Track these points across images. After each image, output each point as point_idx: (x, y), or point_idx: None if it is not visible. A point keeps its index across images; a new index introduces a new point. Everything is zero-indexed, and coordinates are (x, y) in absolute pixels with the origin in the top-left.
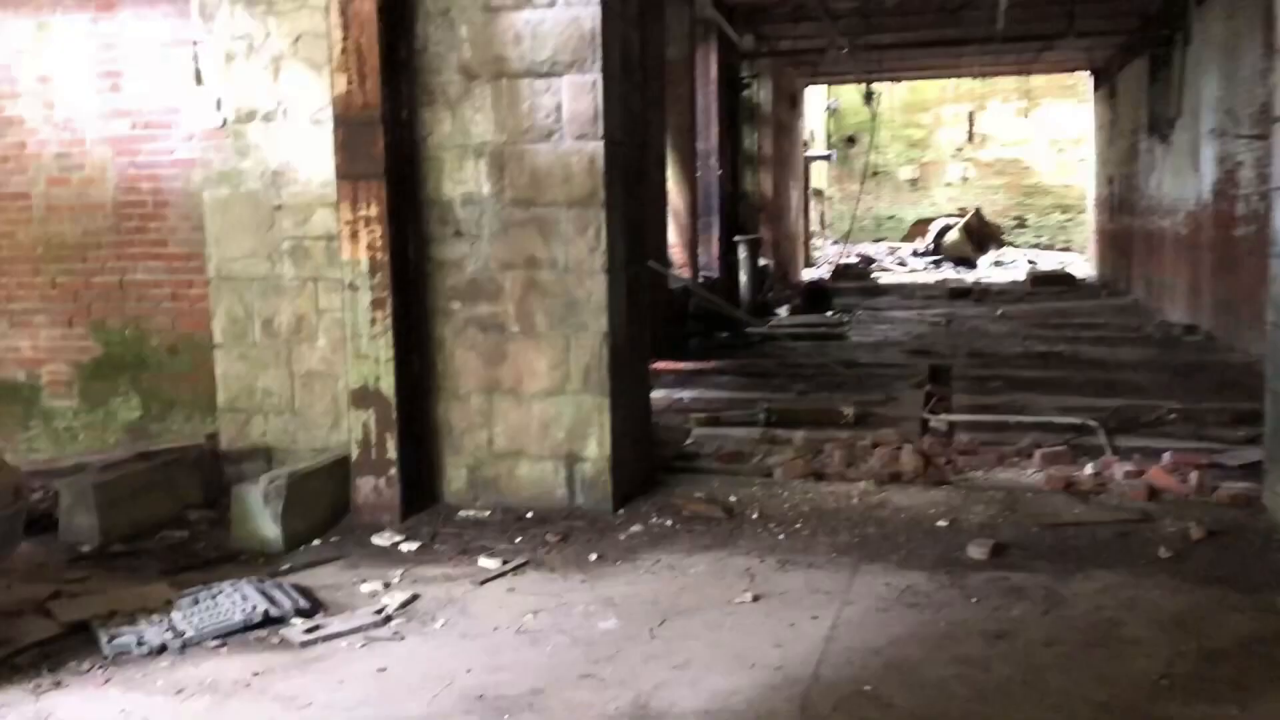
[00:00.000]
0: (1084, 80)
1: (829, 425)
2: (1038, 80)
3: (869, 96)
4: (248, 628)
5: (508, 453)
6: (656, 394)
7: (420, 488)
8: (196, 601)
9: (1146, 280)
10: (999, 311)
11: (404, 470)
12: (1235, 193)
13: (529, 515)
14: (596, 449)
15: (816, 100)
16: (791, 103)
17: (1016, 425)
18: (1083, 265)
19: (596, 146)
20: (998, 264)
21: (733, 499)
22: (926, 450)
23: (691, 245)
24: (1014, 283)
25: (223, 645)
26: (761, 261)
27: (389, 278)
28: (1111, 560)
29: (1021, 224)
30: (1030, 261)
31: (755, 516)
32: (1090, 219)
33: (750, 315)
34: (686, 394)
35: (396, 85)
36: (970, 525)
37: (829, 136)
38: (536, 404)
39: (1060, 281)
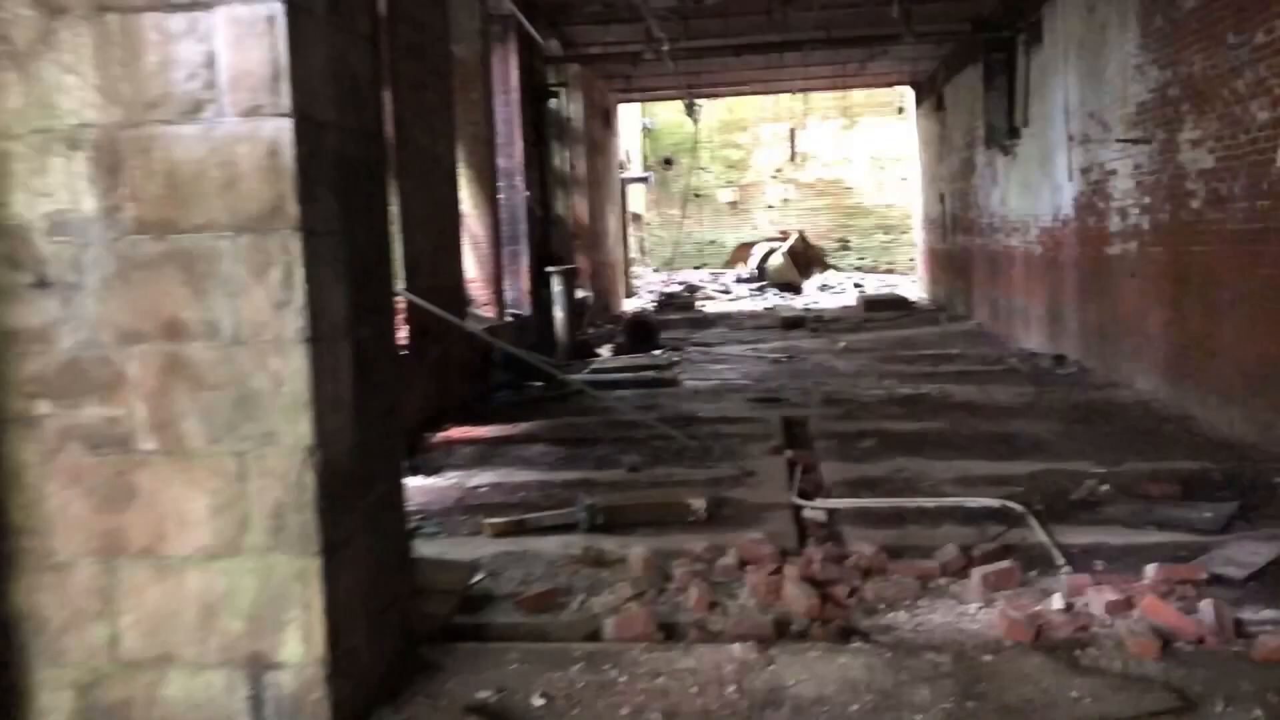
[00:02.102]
0: (904, 96)
1: (674, 525)
2: (857, 97)
3: (690, 107)
4: None
5: (145, 660)
6: (443, 481)
7: None
8: None
9: (991, 304)
10: (840, 344)
11: None
12: (1106, 205)
13: None
14: (301, 645)
15: (631, 120)
16: (605, 120)
17: (918, 511)
18: (911, 287)
19: (280, 128)
20: (824, 288)
21: (538, 701)
22: (817, 574)
23: (495, 279)
24: (846, 308)
25: None
26: (580, 293)
27: None
28: None
29: (845, 246)
30: (857, 285)
31: None
32: (918, 239)
33: (568, 359)
34: (484, 478)
35: None
36: None
37: (645, 158)
38: (193, 574)
39: (894, 306)
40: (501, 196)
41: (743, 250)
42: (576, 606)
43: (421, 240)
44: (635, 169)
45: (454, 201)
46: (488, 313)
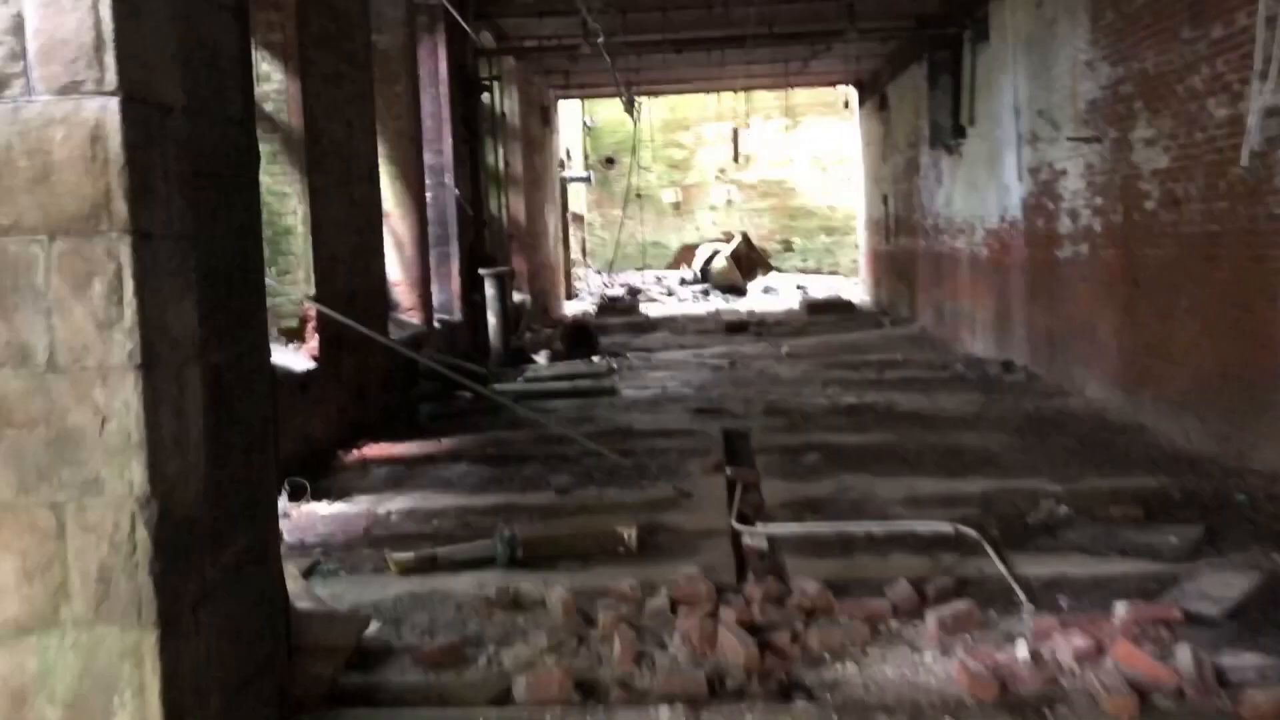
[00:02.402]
0: (848, 96)
1: (602, 558)
2: (800, 97)
3: (631, 104)
4: None
5: None
6: (352, 508)
7: None
8: None
9: (935, 307)
10: (784, 349)
11: None
12: (1056, 206)
13: None
14: None
15: (572, 118)
16: (544, 117)
17: (866, 538)
18: (854, 290)
19: (105, 109)
20: (768, 290)
21: None
22: (756, 617)
23: (422, 282)
24: (790, 311)
25: None
26: (517, 297)
27: None
28: None
29: (788, 248)
30: (800, 287)
31: None
32: (861, 240)
33: (501, 366)
34: (398, 503)
35: None
36: None
37: (586, 157)
38: None
39: (838, 309)
40: (430, 195)
41: (687, 252)
42: (485, 662)
43: (336, 242)
44: (576, 168)
45: (375, 200)
46: (414, 318)
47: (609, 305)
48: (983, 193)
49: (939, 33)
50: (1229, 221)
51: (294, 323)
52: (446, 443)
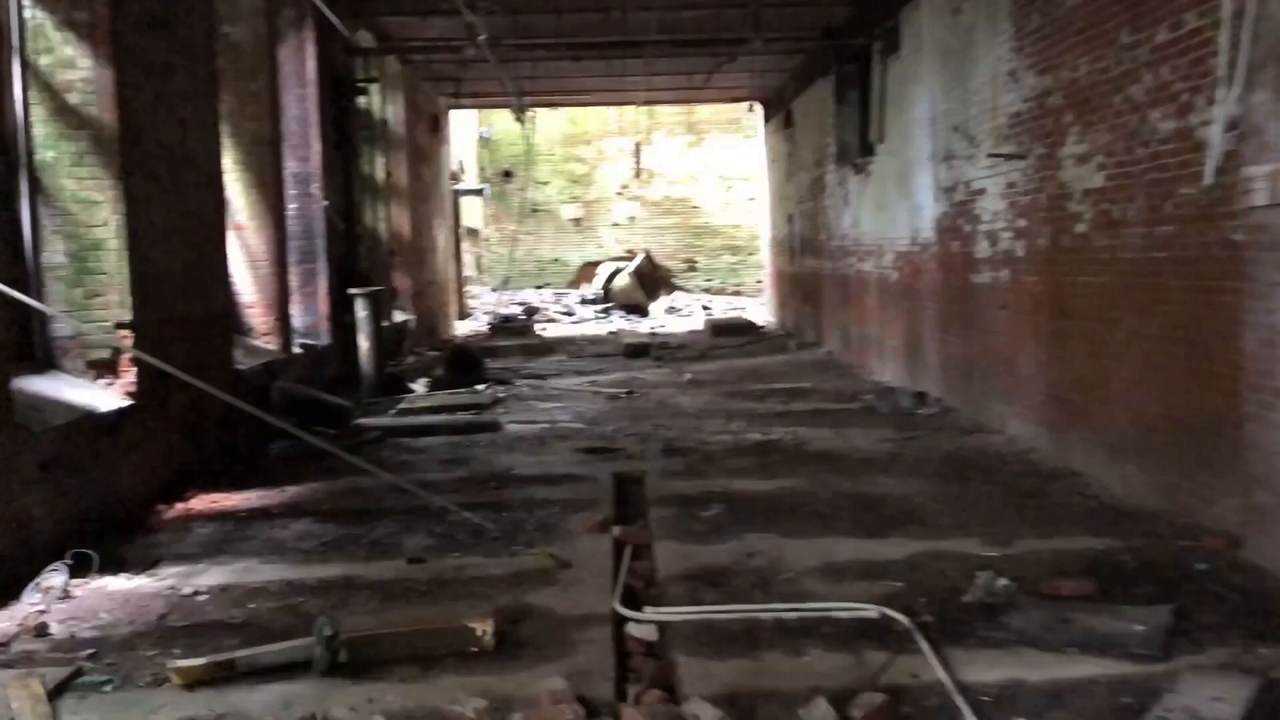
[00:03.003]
0: (751, 113)
1: (447, 663)
2: (704, 113)
3: (521, 112)
4: None
5: None
6: (154, 583)
7: None
8: None
9: (843, 332)
10: (686, 376)
11: None
12: (972, 229)
13: None
14: None
15: (467, 129)
16: (434, 126)
17: (775, 625)
18: (759, 310)
19: None
20: (671, 310)
21: None
22: None
23: (279, 303)
24: (693, 333)
25: None
26: (400, 317)
27: None
28: None
29: (692, 267)
30: (705, 307)
31: None
32: (765, 261)
33: (374, 396)
34: (212, 577)
35: None
36: None
37: (482, 169)
38: None
39: (743, 331)
40: (295, 207)
41: (588, 270)
42: None
43: (162, 257)
44: (471, 180)
45: (217, 211)
46: (269, 343)
47: (502, 325)
48: (893, 213)
49: (846, 44)
50: (1176, 248)
51: (105, 354)
52: (292, 491)
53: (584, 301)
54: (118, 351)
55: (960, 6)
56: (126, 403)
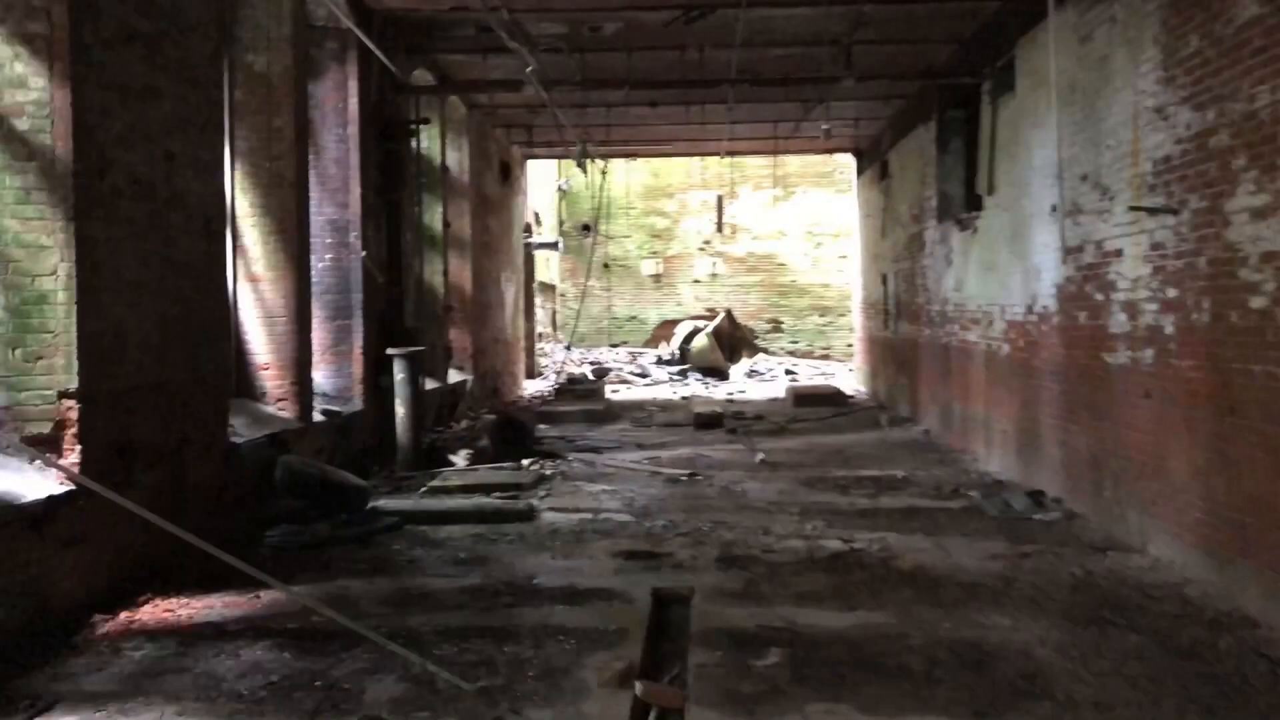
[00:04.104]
0: (845, 165)
1: None
2: (792, 165)
3: (582, 155)
4: None
5: None
6: None
7: None
8: None
9: (943, 409)
10: (759, 456)
11: None
12: (1105, 298)
13: None
14: None
15: (546, 179)
16: (505, 174)
17: None
18: (848, 377)
19: None
20: (753, 373)
21: None
22: None
23: (297, 365)
24: (774, 400)
25: None
26: (457, 377)
27: None
28: None
29: (777, 327)
30: (789, 371)
31: None
32: (857, 324)
33: (410, 469)
34: None
35: None
36: None
37: (561, 222)
38: None
39: (829, 401)
40: (329, 257)
41: (665, 328)
42: None
43: (128, 314)
44: (547, 234)
45: (213, 260)
46: (282, 410)
47: (568, 387)
48: (1004, 276)
49: (951, 84)
50: None
51: (47, 427)
52: (266, 598)
53: (660, 362)
54: (61, 425)
55: (1091, 33)
56: (61, 489)
